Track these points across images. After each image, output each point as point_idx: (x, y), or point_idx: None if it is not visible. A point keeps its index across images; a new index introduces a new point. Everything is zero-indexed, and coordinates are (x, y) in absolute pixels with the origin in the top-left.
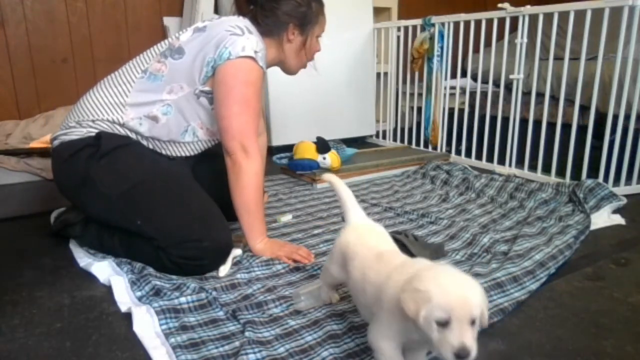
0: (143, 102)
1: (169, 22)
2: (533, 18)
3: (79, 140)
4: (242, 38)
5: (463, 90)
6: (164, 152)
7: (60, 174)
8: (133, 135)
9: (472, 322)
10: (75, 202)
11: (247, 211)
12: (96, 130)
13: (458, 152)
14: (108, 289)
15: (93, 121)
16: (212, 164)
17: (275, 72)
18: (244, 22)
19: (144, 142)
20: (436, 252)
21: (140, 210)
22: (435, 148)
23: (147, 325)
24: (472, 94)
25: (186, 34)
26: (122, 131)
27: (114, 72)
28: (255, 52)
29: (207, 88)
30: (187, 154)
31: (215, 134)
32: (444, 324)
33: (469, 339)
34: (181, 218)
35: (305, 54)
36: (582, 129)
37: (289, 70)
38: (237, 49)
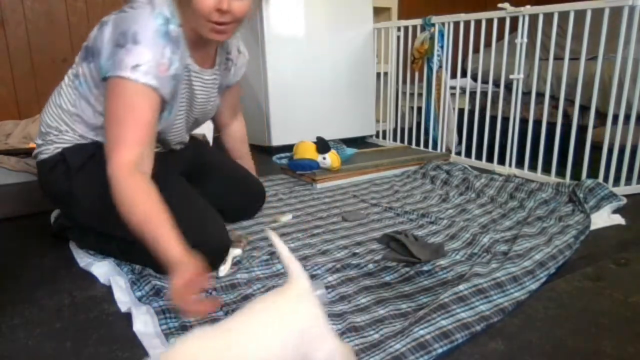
0: (85, 111)
1: None
2: (533, 18)
3: (49, 158)
4: (122, 51)
5: (463, 90)
6: None
7: (46, 188)
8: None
9: None
10: (67, 214)
11: (138, 233)
12: (61, 146)
13: (457, 153)
14: (108, 289)
15: (56, 135)
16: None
17: (276, 71)
18: (138, 24)
19: None
20: (436, 252)
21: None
22: (435, 148)
23: (147, 325)
24: (472, 94)
25: (94, 29)
26: (87, 141)
27: (66, 75)
28: (135, 66)
29: None
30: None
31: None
32: None
33: None
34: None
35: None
36: (582, 129)
37: (201, 30)
38: (114, 65)
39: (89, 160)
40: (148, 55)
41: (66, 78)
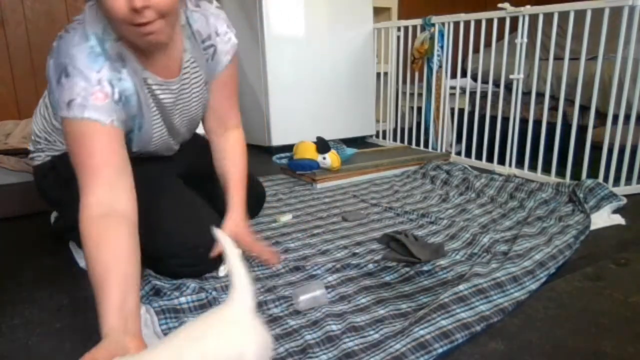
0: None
1: None
2: (533, 18)
3: (42, 165)
4: (58, 88)
5: (463, 90)
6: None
7: (41, 192)
8: None
9: None
10: (62, 215)
11: (91, 281)
12: (51, 154)
13: (457, 153)
14: None
15: (46, 144)
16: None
17: (276, 71)
18: (68, 53)
19: None
20: (436, 252)
21: None
22: (435, 148)
23: (146, 325)
24: (472, 94)
25: None
26: None
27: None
28: (70, 101)
29: None
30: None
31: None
32: None
33: None
34: (171, 228)
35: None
36: (582, 129)
37: (124, 35)
38: (56, 104)
39: None
40: (79, 86)
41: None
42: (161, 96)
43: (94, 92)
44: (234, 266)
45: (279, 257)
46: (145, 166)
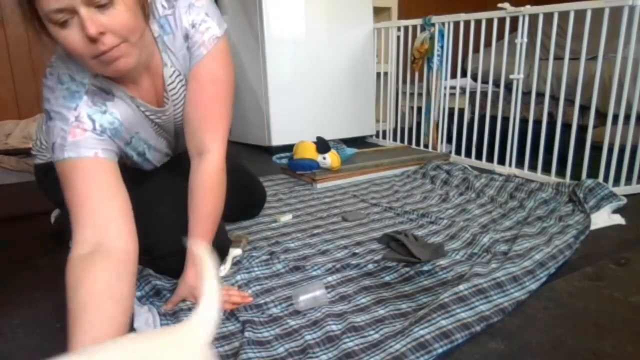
0: None
1: None
2: (533, 18)
3: (44, 164)
4: (48, 132)
5: (463, 90)
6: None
7: (43, 191)
8: None
9: None
10: (64, 212)
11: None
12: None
13: (455, 152)
14: None
15: (47, 147)
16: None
17: (276, 71)
18: (48, 97)
19: None
20: (436, 252)
21: None
22: (435, 148)
23: (147, 325)
24: (472, 94)
25: None
26: None
27: None
28: (52, 145)
29: None
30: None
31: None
32: None
33: None
34: (170, 228)
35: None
36: (582, 129)
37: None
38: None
39: None
40: (58, 128)
41: None
42: (157, 121)
43: (71, 130)
44: (207, 288)
45: (248, 298)
46: (140, 176)
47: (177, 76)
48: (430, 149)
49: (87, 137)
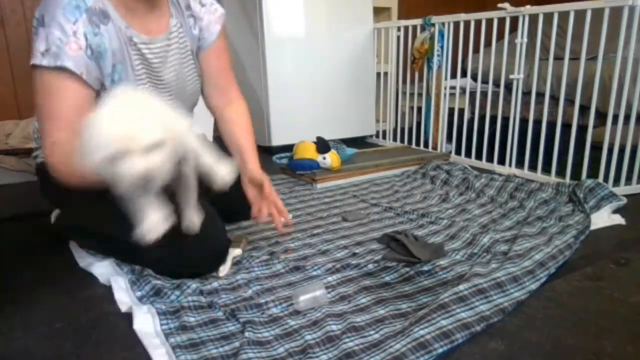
0: None
1: None
2: (533, 18)
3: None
4: (34, 38)
5: (463, 90)
6: None
7: (46, 190)
8: None
9: None
10: (67, 215)
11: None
12: None
13: (455, 152)
14: (108, 289)
15: None
16: None
17: (276, 71)
18: (48, 3)
19: None
20: (436, 252)
21: (125, 227)
22: (435, 148)
23: (147, 325)
24: (472, 94)
25: None
26: None
27: None
28: (45, 51)
29: None
30: None
31: None
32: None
33: None
34: (172, 228)
35: None
36: (582, 129)
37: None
38: (31, 55)
39: None
40: (54, 36)
41: None
42: (149, 55)
43: (68, 42)
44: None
45: (288, 219)
46: None
47: (179, 28)
48: (430, 148)
49: (79, 55)
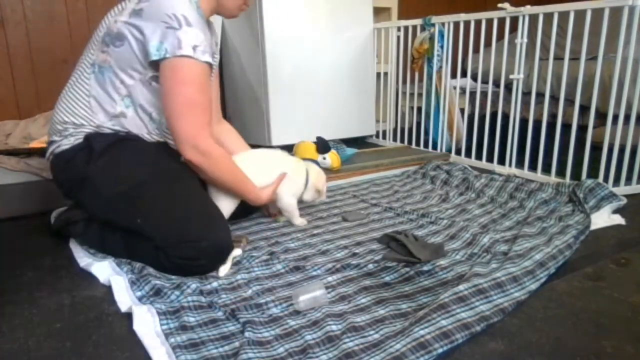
0: (104, 100)
1: None
2: (533, 18)
3: (70, 149)
4: (179, 32)
5: (463, 90)
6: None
7: (59, 177)
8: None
9: None
10: (76, 201)
11: (231, 187)
12: (82, 136)
13: (455, 152)
14: (108, 289)
15: (75, 129)
16: None
17: (276, 71)
18: (181, 8)
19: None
20: (436, 252)
21: (139, 209)
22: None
23: (147, 325)
24: (472, 94)
25: (123, 16)
26: (107, 131)
27: (75, 70)
28: (195, 46)
29: (157, 73)
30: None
31: None
32: None
33: None
34: (179, 218)
35: None
36: (582, 129)
37: (228, 13)
38: (173, 46)
39: (111, 147)
40: (201, 36)
41: (79, 70)
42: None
43: (210, 44)
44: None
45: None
46: (163, 157)
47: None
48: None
49: (212, 53)
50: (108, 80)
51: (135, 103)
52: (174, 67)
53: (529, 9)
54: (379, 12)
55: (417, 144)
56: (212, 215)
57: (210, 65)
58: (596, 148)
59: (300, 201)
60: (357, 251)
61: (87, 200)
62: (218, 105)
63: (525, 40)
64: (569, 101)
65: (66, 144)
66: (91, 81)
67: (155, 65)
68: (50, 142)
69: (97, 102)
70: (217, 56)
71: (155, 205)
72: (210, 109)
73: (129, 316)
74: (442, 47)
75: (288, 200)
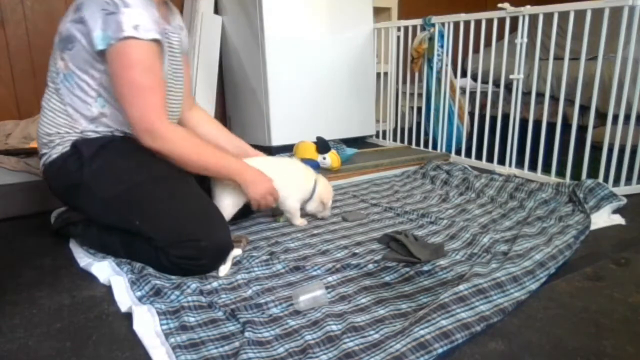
0: (79, 106)
1: None
2: (533, 18)
3: (59, 157)
4: (118, 16)
5: (463, 90)
6: None
7: (54, 184)
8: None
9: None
10: (73, 207)
11: (207, 168)
12: (70, 141)
13: (455, 152)
14: (108, 289)
15: (61, 139)
16: None
17: (276, 71)
18: None
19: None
20: (436, 252)
21: (137, 211)
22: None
23: (147, 325)
24: (472, 94)
25: (68, 16)
26: (92, 135)
27: (47, 82)
28: (136, 26)
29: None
30: None
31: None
32: None
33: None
34: (178, 217)
35: None
36: (582, 129)
37: None
38: (114, 31)
39: (102, 150)
40: (144, 14)
41: (49, 82)
42: (173, 41)
43: (151, 20)
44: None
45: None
46: (162, 159)
47: (180, 28)
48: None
49: (159, 31)
50: (75, 85)
51: (108, 101)
52: (117, 52)
53: (529, 9)
54: (379, 12)
55: (417, 144)
56: (211, 214)
57: (158, 42)
58: (596, 148)
59: (304, 213)
60: (357, 251)
61: (84, 206)
62: (190, 91)
63: (525, 40)
64: (569, 101)
65: (55, 153)
66: (62, 91)
67: (105, 55)
68: (41, 156)
69: (74, 110)
70: (178, 37)
71: (153, 206)
72: (163, 90)
73: (129, 316)
74: (442, 47)
75: (292, 204)
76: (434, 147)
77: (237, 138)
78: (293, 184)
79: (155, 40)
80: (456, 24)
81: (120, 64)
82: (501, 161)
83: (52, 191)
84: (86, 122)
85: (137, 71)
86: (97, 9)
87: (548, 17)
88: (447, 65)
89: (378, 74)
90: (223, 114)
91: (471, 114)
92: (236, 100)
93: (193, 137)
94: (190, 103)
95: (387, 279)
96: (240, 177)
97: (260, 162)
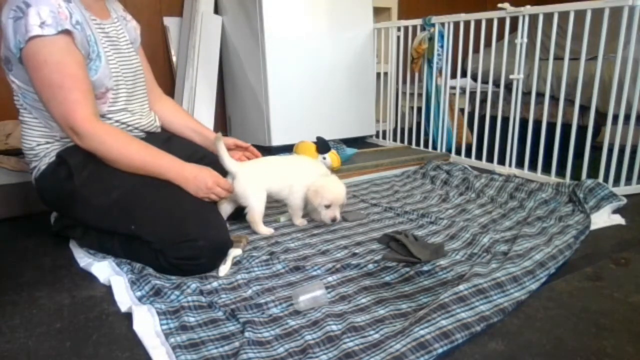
0: (47, 117)
1: (169, 22)
2: (533, 18)
3: (47, 168)
4: (24, 19)
5: (463, 90)
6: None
7: (48, 198)
8: None
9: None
10: (69, 217)
11: (138, 167)
12: (55, 152)
13: (455, 152)
14: (108, 289)
15: (45, 150)
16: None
17: (275, 71)
18: None
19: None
20: (436, 252)
21: (131, 216)
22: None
23: (147, 325)
24: (472, 94)
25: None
26: (72, 143)
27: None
28: (42, 23)
29: None
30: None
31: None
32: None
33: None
34: (174, 219)
35: None
36: (582, 129)
37: None
38: (23, 34)
39: (87, 157)
40: (46, 11)
41: (17, 102)
42: (109, 31)
43: (60, 12)
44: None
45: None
46: None
47: (117, 21)
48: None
49: (70, 23)
50: (33, 100)
51: None
52: (26, 55)
53: (529, 9)
54: (379, 12)
55: (417, 144)
56: (207, 214)
57: (69, 32)
58: (596, 148)
59: (305, 213)
60: (357, 251)
61: (79, 215)
62: (154, 83)
63: (525, 40)
64: (569, 101)
65: (43, 165)
66: (26, 107)
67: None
68: (31, 171)
69: (45, 121)
70: (120, 28)
71: (149, 209)
72: (82, 85)
73: (129, 316)
74: (442, 47)
75: (295, 201)
76: (434, 147)
77: (208, 129)
78: (302, 183)
79: (65, 32)
80: (456, 24)
81: (31, 66)
82: (501, 161)
83: (47, 205)
84: (60, 130)
85: (47, 70)
86: (8, 18)
87: (548, 17)
88: (445, 65)
89: (378, 74)
90: (223, 114)
91: (471, 114)
92: (236, 100)
93: (121, 134)
94: (157, 95)
95: (387, 279)
96: (177, 175)
97: (267, 159)
